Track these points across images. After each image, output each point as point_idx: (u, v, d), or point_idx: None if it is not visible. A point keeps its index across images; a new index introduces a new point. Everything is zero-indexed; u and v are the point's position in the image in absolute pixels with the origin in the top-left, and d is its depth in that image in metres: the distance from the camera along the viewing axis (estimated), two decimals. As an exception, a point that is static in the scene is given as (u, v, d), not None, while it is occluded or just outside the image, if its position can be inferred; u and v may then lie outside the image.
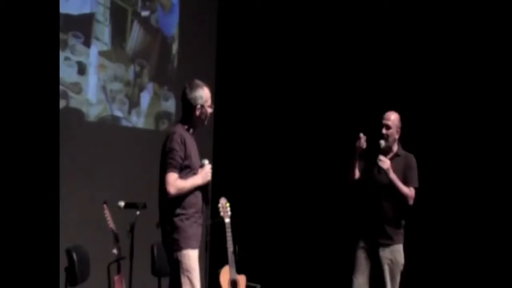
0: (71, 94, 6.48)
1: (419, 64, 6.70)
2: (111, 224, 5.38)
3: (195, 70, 7.17)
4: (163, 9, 7.40)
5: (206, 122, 4.33)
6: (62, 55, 6.29)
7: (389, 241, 4.91)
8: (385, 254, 4.90)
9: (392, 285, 4.89)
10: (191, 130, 4.26)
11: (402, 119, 5.02)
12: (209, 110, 4.28)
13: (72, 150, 6.06)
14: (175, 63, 7.47)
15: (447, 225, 6.47)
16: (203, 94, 4.24)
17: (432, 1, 6.67)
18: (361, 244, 4.98)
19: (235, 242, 5.58)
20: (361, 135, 4.95)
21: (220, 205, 5.60)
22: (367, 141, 4.97)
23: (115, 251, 5.28)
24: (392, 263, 4.89)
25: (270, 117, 7.48)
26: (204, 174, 4.20)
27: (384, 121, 4.97)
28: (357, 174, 5.03)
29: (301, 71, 7.35)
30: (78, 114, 6.57)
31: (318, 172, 7.07)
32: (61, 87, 6.23)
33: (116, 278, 5.28)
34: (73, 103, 6.53)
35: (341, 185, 5.42)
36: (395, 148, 5.02)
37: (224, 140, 7.60)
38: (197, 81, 4.30)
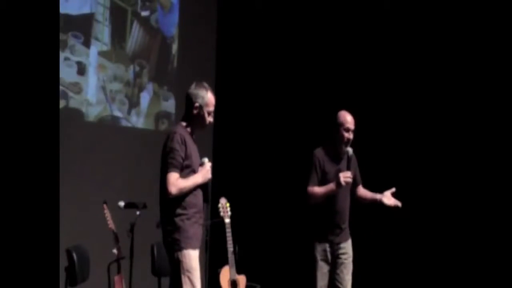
0: (71, 94, 6.49)
1: (420, 65, 6.70)
2: (111, 224, 5.38)
3: (195, 70, 7.18)
4: (163, 9, 7.40)
5: (204, 127, 4.33)
6: (62, 55, 6.30)
7: (347, 237, 5.02)
8: (345, 249, 4.98)
9: (349, 278, 4.98)
10: (191, 130, 4.26)
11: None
12: (208, 118, 4.27)
13: (72, 150, 6.07)
14: (175, 63, 7.47)
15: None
16: (205, 96, 4.25)
17: (432, 1, 6.67)
18: (320, 247, 4.96)
19: (235, 242, 5.58)
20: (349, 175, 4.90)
21: (220, 205, 5.59)
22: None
23: (115, 251, 5.29)
24: (350, 256, 5.01)
25: (270, 117, 7.48)
26: (205, 172, 4.20)
27: (350, 126, 4.91)
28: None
29: (301, 71, 7.35)
30: (78, 114, 6.57)
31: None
32: (61, 87, 6.24)
33: (116, 278, 5.28)
34: (73, 103, 6.54)
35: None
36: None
37: (224, 140, 7.60)
38: (206, 84, 4.32)
